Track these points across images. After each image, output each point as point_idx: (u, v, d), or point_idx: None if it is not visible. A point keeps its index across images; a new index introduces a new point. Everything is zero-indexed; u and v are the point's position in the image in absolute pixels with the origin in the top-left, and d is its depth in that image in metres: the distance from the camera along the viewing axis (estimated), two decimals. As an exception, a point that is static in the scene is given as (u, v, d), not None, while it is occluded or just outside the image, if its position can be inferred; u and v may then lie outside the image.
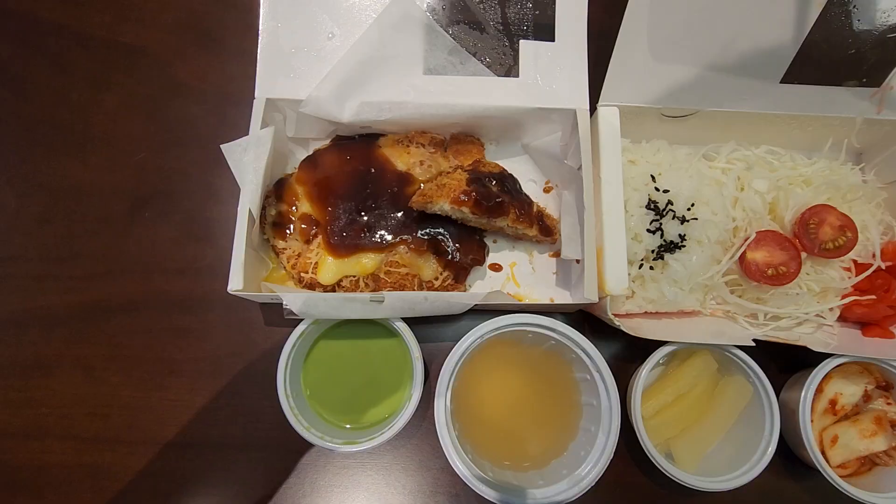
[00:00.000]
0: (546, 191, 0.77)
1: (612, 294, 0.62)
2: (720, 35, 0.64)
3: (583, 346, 0.57)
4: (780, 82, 0.67)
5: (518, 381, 0.63)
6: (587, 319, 0.74)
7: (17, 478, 0.68)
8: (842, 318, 0.70)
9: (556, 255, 0.76)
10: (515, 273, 0.75)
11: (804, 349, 0.63)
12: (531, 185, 0.78)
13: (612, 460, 0.64)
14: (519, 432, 0.62)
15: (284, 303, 0.60)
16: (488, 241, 0.75)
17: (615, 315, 0.64)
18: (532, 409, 0.63)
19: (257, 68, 0.69)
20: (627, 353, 0.72)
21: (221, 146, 0.64)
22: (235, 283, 0.62)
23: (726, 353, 0.65)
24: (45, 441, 0.69)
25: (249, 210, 0.64)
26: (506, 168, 0.75)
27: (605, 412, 0.56)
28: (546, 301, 0.73)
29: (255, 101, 0.68)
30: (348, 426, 0.67)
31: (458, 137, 0.76)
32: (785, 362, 0.70)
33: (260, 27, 0.69)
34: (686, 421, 0.66)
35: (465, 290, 0.72)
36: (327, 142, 0.77)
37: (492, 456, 0.60)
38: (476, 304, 0.66)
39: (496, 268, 0.75)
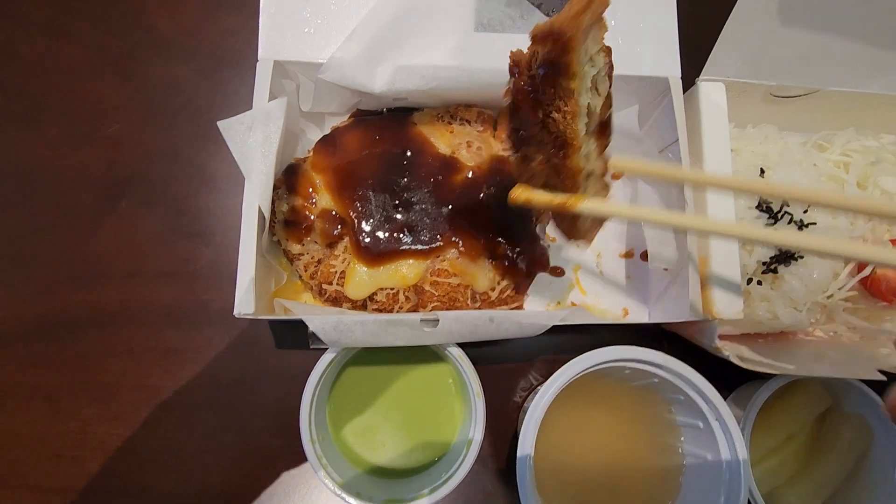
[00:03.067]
0: (615, 176, 0.64)
1: (723, 318, 0.50)
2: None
3: (699, 387, 0.45)
4: (925, 55, 0.54)
5: (605, 424, 0.51)
6: (666, 336, 0.62)
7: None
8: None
9: (629, 255, 0.63)
10: (580, 278, 0.62)
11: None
12: (599, 175, 0.64)
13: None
14: (606, 489, 0.50)
15: (310, 329, 0.46)
16: (548, 239, 0.62)
17: (722, 340, 0.52)
18: (621, 457, 0.51)
19: (260, 20, 0.53)
20: (712, 378, 0.60)
21: (218, 123, 0.48)
22: (245, 306, 0.47)
23: (841, 383, 0.54)
24: (-5, 492, 0.54)
25: (259, 207, 0.49)
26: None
27: (725, 470, 0.44)
28: (618, 312, 0.61)
29: (258, 63, 0.52)
30: (388, 473, 0.54)
31: (514, 114, 0.61)
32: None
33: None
34: (794, 467, 0.55)
35: (523, 301, 0.59)
36: (347, 118, 0.62)
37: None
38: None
39: (558, 272, 0.62)
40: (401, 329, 0.48)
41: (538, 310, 0.61)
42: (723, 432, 0.45)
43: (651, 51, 0.56)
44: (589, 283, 0.62)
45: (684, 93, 0.57)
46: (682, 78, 0.56)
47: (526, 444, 0.43)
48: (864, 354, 0.56)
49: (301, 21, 0.54)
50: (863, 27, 0.53)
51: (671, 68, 0.56)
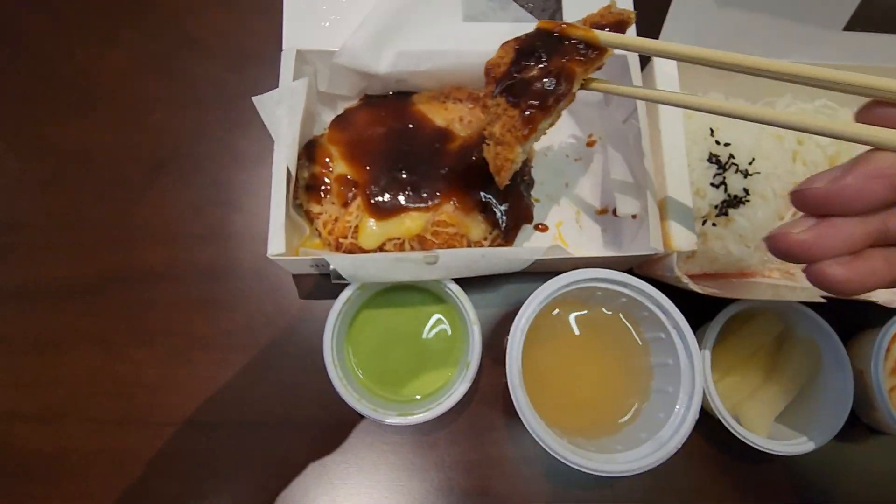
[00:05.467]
0: (589, 144, 0.74)
1: (681, 250, 0.59)
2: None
3: (658, 300, 0.53)
4: (843, 29, 0.64)
5: (582, 345, 0.59)
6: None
7: (31, 464, 0.61)
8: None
9: (604, 211, 0.72)
10: (563, 232, 0.71)
11: (868, 307, 0.61)
12: (572, 142, 0.74)
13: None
14: (586, 398, 0.58)
15: (331, 265, 0.55)
16: (533, 200, 0.71)
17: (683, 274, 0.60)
18: (599, 373, 0.59)
19: (284, 17, 0.63)
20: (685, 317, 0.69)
21: (253, 98, 0.58)
22: (276, 247, 0.56)
23: (792, 312, 0.63)
24: (61, 425, 0.63)
25: (287, 167, 0.59)
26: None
27: (684, 370, 0.52)
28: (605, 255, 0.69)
29: (283, 52, 0.63)
30: (398, 399, 0.62)
31: (500, 92, 0.71)
32: (844, 322, 0.68)
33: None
34: (753, 384, 0.63)
35: (512, 252, 0.68)
36: (356, 101, 0.72)
37: (560, 424, 0.56)
38: (535, 261, 0.62)
39: (542, 228, 0.71)
40: (406, 265, 0.57)
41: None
42: (680, 339, 0.53)
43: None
44: (570, 236, 0.71)
45: (644, 68, 0.67)
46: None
47: (513, 357, 0.51)
48: (803, 286, 0.65)
49: (318, 16, 0.64)
50: (787, 5, 0.63)
51: (630, 46, 0.66)
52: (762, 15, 0.63)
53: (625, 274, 0.54)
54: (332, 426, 0.64)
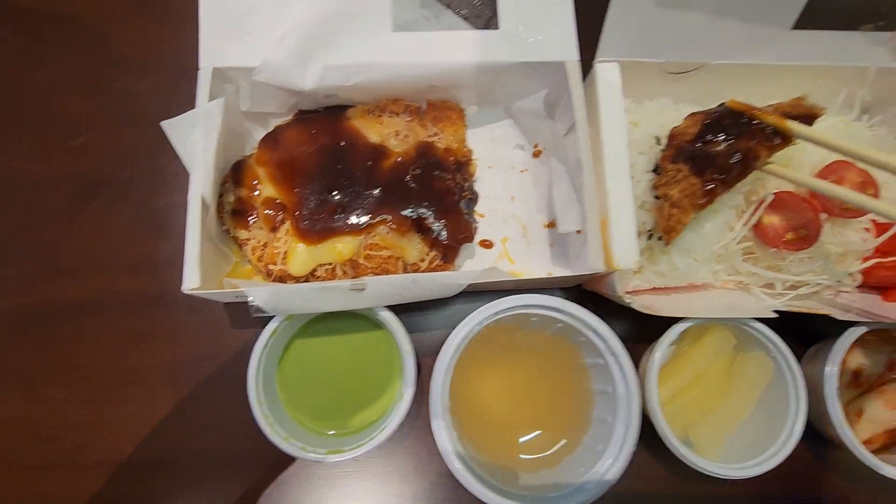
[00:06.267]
0: (535, 155, 0.71)
1: (622, 268, 0.56)
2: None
3: (594, 326, 0.51)
4: (792, 28, 0.61)
5: (521, 372, 0.57)
6: (590, 299, 0.68)
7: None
8: (862, 283, 0.65)
9: (552, 224, 0.69)
10: (509, 249, 0.68)
11: (821, 319, 0.58)
12: (518, 152, 0.71)
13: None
14: (525, 428, 0.55)
15: (250, 299, 0.52)
16: (476, 216, 0.68)
17: (626, 292, 0.58)
18: (538, 401, 0.56)
19: (200, 34, 0.60)
20: (635, 334, 0.65)
21: (162, 123, 0.55)
22: (191, 281, 0.53)
23: (744, 327, 0.60)
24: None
25: (202, 196, 0.55)
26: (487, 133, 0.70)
27: (621, 399, 0.50)
28: (544, 276, 0.66)
29: (200, 71, 0.59)
30: (333, 433, 0.60)
31: (435, 104, 0.68)
32: (797, 335, 0.65)
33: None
34: (705, 404, 0.60)
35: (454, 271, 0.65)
36: (289, 118, 0.69)
37: (497, 457, 0.53)
38: (471, 284, 0.59)
39: (487, 244, 0.68)
40: (333, 294, 0.54)
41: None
42: (618, 366, 0.51)
43: (552, 38, 0.63)
44: (516, 252, 0.68)
45: (588, 75, 0.64)
46: (586, 60, 0.63)
47: (435, 390, 0.48)
48: (752, 297, 0.62)
49: (238, 32, 0.61)
50: (731, 6, 0.59)
51: (570, 53, 0.63)
52: (706, 16, 0.60)
53: (557, 299, 0.51)
54: (271, 463, 0.61)
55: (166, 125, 0.55)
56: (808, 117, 0.56)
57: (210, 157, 0.56)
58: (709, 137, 0.56)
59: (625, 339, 0.66)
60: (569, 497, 0.47)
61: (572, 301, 0.68)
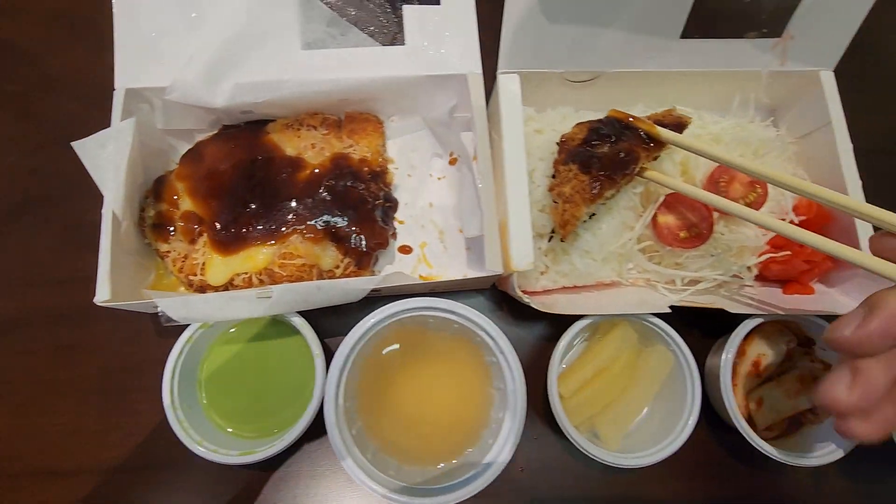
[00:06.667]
0: (451, 163, 0.74)
1: (518, 270, 0.58)
2: (613, -11, 0.61)
3: (484, 326, 0.53)
4: (681, 38, 0.64)
5: (427, 371, 0.59)
6: (506, 299, 0.71)
7: None
8: (762, 278, 0.69)
9: (468, 231, 0.72)
10: (426, 253, 0.71)
11: (726, 313, 0.61)
12: (437, 160, 0.74)
13: (540, 443, 0.61)
14: (430, 425, 0.58)
15: (159, 309, 0.55)
16: (396, 223, 0.71)
17: (524, 292, 0.60)
18: (443, 399, 0.59)
19: (115, 56, 0.62)
20: (553, 332, 0.68)
21: (73, 144, 0.57)
22: (102, 294, 0.56)
23: (645, 322, 0.63)
24: None
25: (114, 213, 0.58)
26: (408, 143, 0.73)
27: (510, 394, 0.52)
28: (460, 278, 0.69)
29: (115, 92, 0.62)
30: (254, 435, 0.62)
31: (353, 116, 0.71)
32: (711, 327, 0.68)
33: (114, 10, 0.62)
34: (609, 396, 0.63)
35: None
36: (210, 134, 0.71)
37: (400, 453, 0.56)
38: (380, 289, 0.62)
39: (406, 250, 0.71)
40: (240, 302, 0.57)
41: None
42: (507, 364, 0.53)
43: (456, 51, 0.66)
44: (434, 257, 0.71)
45: (490, 88, 0.67)
46: (493, 72, 0.66)
47: (329, 390, 0.51)
48: (656, 293, 0.65)
49: (152, 53, 0.63)
50: (621, 19, 0.62)
51: (473, 66, 0.66)
52: (598, 28, 0.63)
53: (446, 300, 0.54)
54: (193, 467, 0.63)
55: (77, 146, 0.58)
56: (678, 125, 0.61)
57: (121, 175, 0.58)
58: (594, 141, 0.60)
59: (541, 339, 0.70)
60: (462, 485, 0.50)
61: (487, 300, 0.72)
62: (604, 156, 0.59)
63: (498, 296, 0.71)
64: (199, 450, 0.56)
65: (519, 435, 0.50)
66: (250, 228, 0.63)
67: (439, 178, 0.73)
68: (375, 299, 0.64)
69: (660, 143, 0.59)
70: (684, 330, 0.66)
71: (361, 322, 0.53)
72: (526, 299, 0.59)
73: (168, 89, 0.62)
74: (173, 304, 0.55)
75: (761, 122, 0.72)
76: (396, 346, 0.59)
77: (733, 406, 0.60)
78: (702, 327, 0.69)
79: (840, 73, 0.68)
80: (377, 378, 0.57)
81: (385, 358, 0.58)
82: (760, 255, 0.65)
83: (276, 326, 0.64)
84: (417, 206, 0.72)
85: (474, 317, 0.53)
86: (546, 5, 0.60)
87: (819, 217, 0.66)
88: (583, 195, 0.57)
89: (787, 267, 0.65)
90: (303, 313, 0.61)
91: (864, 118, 0.67)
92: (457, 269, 0.70)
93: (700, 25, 0.63)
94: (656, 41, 0.64)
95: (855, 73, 0.68)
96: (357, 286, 0.58)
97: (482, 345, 0.57)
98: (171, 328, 0.66)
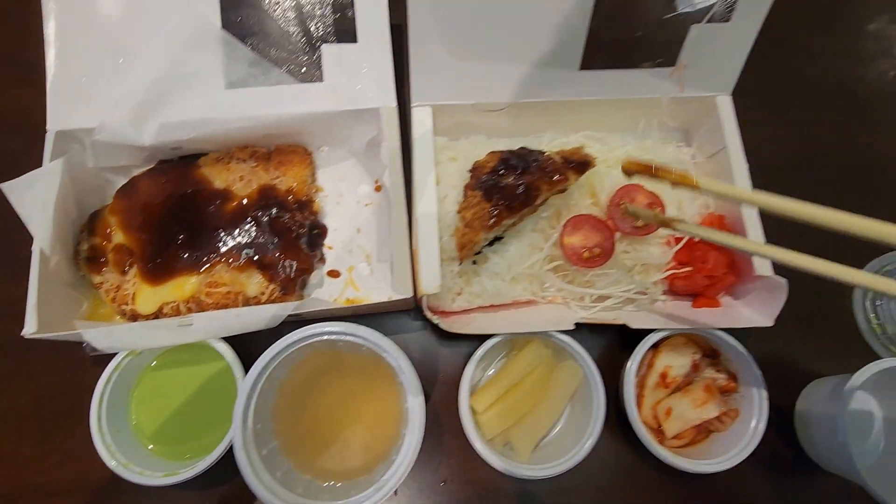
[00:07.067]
0: (377, 189, 0.77)
1: (427, 293, 0.62)
2: (510, 26, 0.65)
3: (386, 348, 0.56)
4: (580, 69, 0.68)
5: (343, 391, 0.62)
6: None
7: None
8: (672, 293, 0.72)
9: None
10: (354, 277, 0.74)
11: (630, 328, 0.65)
12: (364, 187, 0.77)
13: (454, 458, 0.64)
14: (344, 443, 0.61)
15: (84, 338, 0.58)
16: (326, 248, 0.74)
17: (441, 312, 0.64)
18: (358, 417, 0.62)
19: (47, 98, 0.66)
20: (476, 350, 0.71)
21: (1, 186, 0.61)
22: (30, 327, 0.59)
23: (554, 339, 0.66)
24: None
25: (41, 249, 0.61)
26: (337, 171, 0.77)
27: (411, 412, 0.55)
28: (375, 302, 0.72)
29: (47, 133, 0.65)
30: (188, 457, 0.65)
31: (282, 148, 0.74)
32: (631, 342, 0.72)
33: (47, 55, 0.66)
34: (522, 410, 0.66)
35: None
36: (145, 168, 0.74)
37: (317, 471, 0.59)
38: (302, 314, 0.65)
39: (334, 274, 0.74)
40: (162, 331, 0.60)
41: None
42: (407, 383, 0.56)
43: (372, 87, 0.70)
44: (361, 280, 0.74)
45: (405, 116, 0.71)
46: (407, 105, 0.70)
47: (237, 414, 0.54)
48: (569, 310, 0.68)
49: (82, 96, 0.67)
50: (522, 53, 0.67)
51: (387, 100, 0.70)
52: (501, 63, 0.67)
53: (352, 325, 0.57)
54: (126, 491, 0.66)
55: (5, 187, 0.61)
56: (584, 164, 0.65)
57: (49, 213, 0.62)
58: (501, 171, 0.64)
59: (466, 356, 0.73)
60: (362, 499, 0.53)
61: (415, 322, 0.75)
62: (507, 186, 0.63)
63: (424, 315, 0.75)
64: (124, 472, 0.59)
65: (417, 451, 0.53)
66: (178, 259, 0.67)
67: (366, 205, 0.77)
68: (300, 323, 0.67)
69: (564, 178, 0.64)
70: (608, 344, 0.69)
71: (269, 349, 0.56)
72: (435, 320, 0.62)
73: (96, 130, 0.66)
74: (98, 335, 0.58)
75: (675, 143, 0.76)
76: (312, 368, 0.62)
77: (634, 415, 0.64)
78: (621, 342, 0.72)
79: (755, 90, 0.73)
80: (294, 400, 0.60)
81: (301, 380, 0.61)
82: (665, 271, 0.69)
83: (204, 351, 0.67)
84: (346, 231, 0.76)
85: (377, 339, 0.57)
86: (449, 42, 0.64)
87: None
88: (482, 222, 0.61)
89: (690, 282, 0.69)
90: (233, 338, 0.64)
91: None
92: (383, 291, 0.73)
93: (596, 58, 0.67)
94: (558, 73, 0.69)
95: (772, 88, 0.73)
96: (274, 312, 0.61)
97: (389, 365, 0.60)
98: (105, 357, 0.69)
